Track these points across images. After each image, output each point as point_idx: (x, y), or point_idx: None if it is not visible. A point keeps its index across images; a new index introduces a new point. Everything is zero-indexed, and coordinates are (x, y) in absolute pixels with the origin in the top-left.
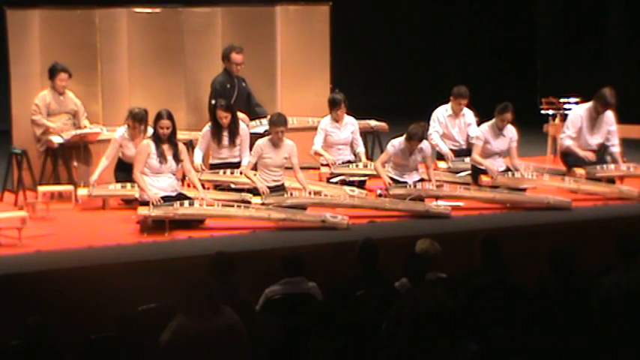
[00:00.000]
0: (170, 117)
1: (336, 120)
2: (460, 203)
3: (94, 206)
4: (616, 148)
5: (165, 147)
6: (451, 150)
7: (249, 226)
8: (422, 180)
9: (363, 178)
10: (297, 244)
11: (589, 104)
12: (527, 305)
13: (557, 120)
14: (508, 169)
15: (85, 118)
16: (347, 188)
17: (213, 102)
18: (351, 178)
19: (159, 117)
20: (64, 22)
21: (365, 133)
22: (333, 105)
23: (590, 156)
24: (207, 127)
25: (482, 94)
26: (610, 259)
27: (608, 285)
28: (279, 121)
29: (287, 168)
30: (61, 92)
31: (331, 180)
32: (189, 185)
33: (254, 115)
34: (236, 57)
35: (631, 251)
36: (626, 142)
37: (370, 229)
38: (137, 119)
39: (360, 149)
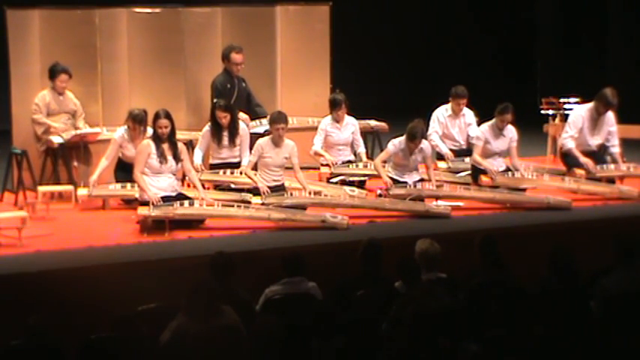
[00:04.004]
0: (168, 116)
1: (337, 120)
2: (460, 203)
3: (94, 206)
4: (616, 149)
5: (165, 147)
6: (451, 150)
7: (249, 226)
8: (422, 180)
9: (363, 178)
10: (297, 244)
11: (590, 105)
12: (527, 305)
13: (557, 120)
14: (508, 169)
15: (82, 119)
16: (347, 188)
17: (214, 102)
18: (351, 178)
19: (157, 117)
20: (64, 22)
21: (365, 133)
22: (333, 105)
23: (591, 165)
24: (207, 127)
25: (482, 94)
26: (610, 259)
27: (608, 285)
28: (279, 119)
29: (287, 168)
30: (61, 92)
31: (331, 180)
32: (189, 185)
33: (254, 115)
34: (236, 57)
35: (630, 252)
36: (626, 142)
37: (370, 229)
38: (137, 120)
39: (361, 149)
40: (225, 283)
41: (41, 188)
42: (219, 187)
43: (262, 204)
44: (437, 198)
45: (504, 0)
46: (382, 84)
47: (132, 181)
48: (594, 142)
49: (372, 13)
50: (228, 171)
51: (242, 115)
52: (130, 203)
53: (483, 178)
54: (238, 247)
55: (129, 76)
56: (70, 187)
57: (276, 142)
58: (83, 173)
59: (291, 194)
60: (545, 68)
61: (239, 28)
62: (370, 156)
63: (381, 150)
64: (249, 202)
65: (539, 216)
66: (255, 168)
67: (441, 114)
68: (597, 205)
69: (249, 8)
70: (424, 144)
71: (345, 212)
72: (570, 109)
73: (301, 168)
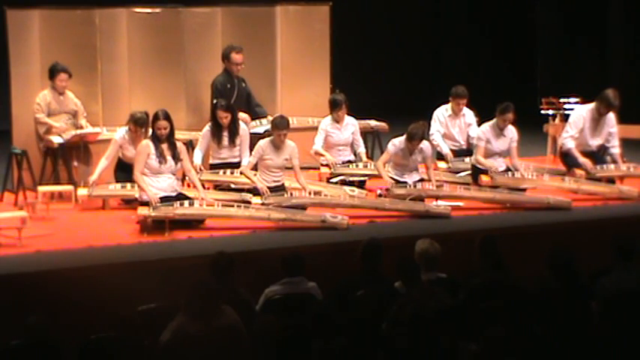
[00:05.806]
0: (167, 117)
1: (337, 121)
2: (460, 203)
3: (94, 206)
4: (616, 150)
5: (164, 147)
6: (451, 150)
7: (249, 226)
8: (422, 180)
9: (363, 178)
10: (297, 244)
11: (592, 105)
12: (527, 305)
13: (557, 120)
14: (508, 169)
15: (83, 118)
16: (347, 188)
17: (214, 102)
18: (351, 178)
19: (156, 118)
20: (64, 22)
21: (365, 133)
22: (333, 106)
23: (590, 166)
24: (207, 128)
25: (483, 94)
26: (610, 259)
27: (608, 285)
28: (281, 124)
29: (287, 168)
30: (61, 92)
31: (331, 180)
32: (189, 185)
33: (254, 116)
34: (236, 57)
35: (630, 251)
36: (626, 142)
37: (370, 229)
38: (139, 124)
39: (361, 149)
40: (226, 283)
41: (41, 188)
42: (219, 187)
43: (262, 204)
44: (437, 198)
45: (504, 0)
46: (382, 84)
47: (132, 181)
48: (594, 142)
49: (372, 13)
50: (228, 171)
51: (242, 115)
52: (130, 203)
53: (483, 178)
54: (238, 247)
55: (129, 76)
56: (70, 187)
57: (277, 145)
58: (83, 173)
59: (291, 194)
60: (545, 68)
61: (239, 28)
62: (370, 156)
63: (381, 150)
64: (249, 202)
65: (539, 216)
66: (254, 169)
67: (442, 114)
68: (597, 205)
69: (249, 8)
70: (424, 144)
71: (345, 212)
72: (570, 109)
73: (301, 168)
